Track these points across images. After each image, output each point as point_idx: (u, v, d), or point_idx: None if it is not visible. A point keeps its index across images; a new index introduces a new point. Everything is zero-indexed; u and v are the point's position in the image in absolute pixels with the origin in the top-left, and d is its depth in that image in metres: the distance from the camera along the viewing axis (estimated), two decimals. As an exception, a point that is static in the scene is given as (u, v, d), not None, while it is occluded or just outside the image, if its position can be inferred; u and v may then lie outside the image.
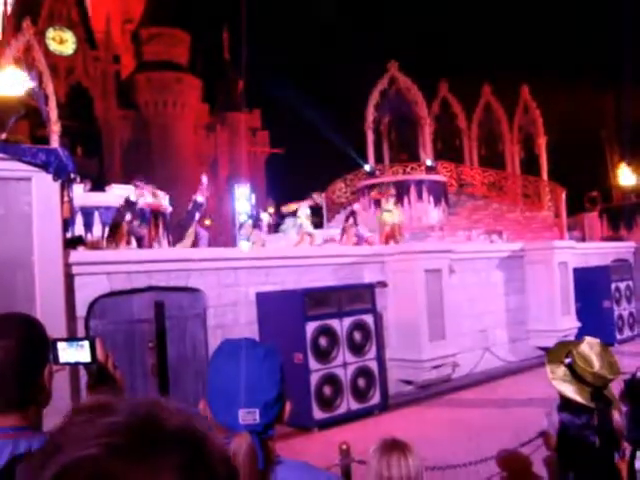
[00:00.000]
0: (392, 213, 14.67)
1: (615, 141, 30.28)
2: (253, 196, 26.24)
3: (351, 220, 14.71)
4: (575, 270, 13.85)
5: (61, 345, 1.76)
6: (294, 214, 14.42)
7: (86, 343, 1.77)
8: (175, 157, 35.86)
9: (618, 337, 14.55)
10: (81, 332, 7.81)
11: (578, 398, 3.35)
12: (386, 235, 14.44)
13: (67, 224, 9.19)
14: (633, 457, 3.41)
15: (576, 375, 3.38)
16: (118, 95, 35.58)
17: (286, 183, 39.11)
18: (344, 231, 14.86)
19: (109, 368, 1.82)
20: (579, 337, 3.82)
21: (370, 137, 21.00)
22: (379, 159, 22.10)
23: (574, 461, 3.44)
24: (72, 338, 1.83)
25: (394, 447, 2.67)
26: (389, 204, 14.89)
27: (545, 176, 22.10)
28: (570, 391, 3.38)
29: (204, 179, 14.63)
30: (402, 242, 13.99)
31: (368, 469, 2.70)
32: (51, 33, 32.44)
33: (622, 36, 29.21)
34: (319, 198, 15.47)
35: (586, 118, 29.08)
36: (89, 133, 32.75)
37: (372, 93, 21.12)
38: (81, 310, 7.88)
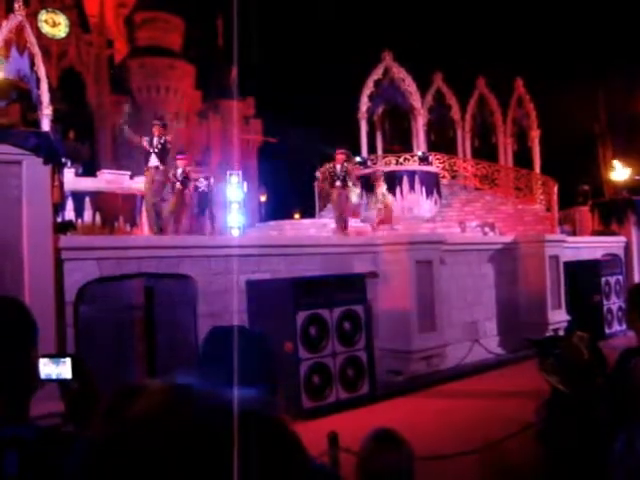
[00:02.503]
0: (385, 197, 14.63)
1: (608, 136, 30.37)
2: (245, 184, 26.27)
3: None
4: (566, 264, 13.89)
5: (43, 360, 1.76)
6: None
7: (68, 360, 1.78)
8: (167, 144, 35.65)
9: (607, 331, 14.58)
10: (70, 318, 7.78)
11: (565, 389, 3.35)
12: (380, 220, 14.41)
13: (57, 209, 9.13)
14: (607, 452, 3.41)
15: (565, 366, 3.38)
16: (111, 80, 35.26)
17: (279, 172, 39.11)
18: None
19: (92, 386, 1.81)
20: (569, 330, 3.83)
21: (363, 127, 20.91)
22: (372, 149, 22.05)
23: (561, 454, 3.44)
24: (55, 354, 1.84)
25: (386, 438, 2.66)
26: (382, 189, 14.81)
27: (538, 169, 22.11)
28: (557, 382, 3.38)
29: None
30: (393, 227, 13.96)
31: (359, 460, 2.68)
32: (44, 16, 32.02)
33: (615, 31, 29.22)
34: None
35: (579, 113, 29.10)
36: (81, 118, 32.46)
37: (366, 83, 21.02)
38: (70, 295, 7.84)
